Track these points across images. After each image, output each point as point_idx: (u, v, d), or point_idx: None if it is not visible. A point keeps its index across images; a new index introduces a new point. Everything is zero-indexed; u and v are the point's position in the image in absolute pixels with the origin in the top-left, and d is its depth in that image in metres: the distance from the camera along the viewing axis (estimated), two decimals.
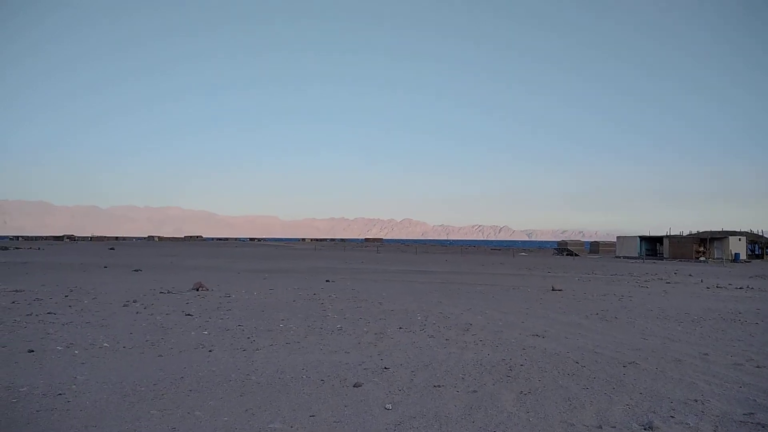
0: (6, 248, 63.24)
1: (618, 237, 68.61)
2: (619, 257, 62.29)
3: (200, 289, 18.17)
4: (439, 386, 7.28)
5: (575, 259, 57.15)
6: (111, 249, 71.52)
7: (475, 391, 7.08)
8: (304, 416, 6.05)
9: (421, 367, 8.28)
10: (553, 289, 20.57)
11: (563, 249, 74.73)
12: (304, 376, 7.66)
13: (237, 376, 7.60)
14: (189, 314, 13.02)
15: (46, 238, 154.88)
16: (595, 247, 76.45)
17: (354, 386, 7.21)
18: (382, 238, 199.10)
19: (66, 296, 16.16)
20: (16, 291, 17.24)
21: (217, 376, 7.62)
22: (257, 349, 9.38)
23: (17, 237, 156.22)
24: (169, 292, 17.64)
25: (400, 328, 11.68)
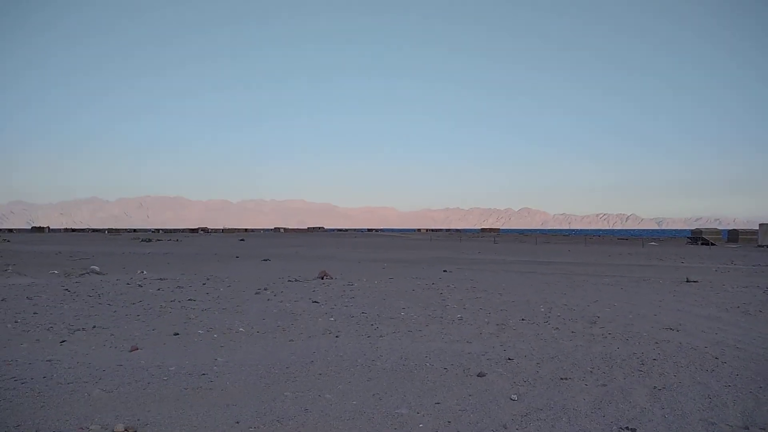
0: (149, 240, 69.19)
1: (761, 224, 62.68)
2: (763, 246, 57.04)
3: (324, 277, 18.87)
4: (566, 379, 7.10)
5: (711, 248, 53.04)
6: (241, 240, 75.98)
7: (604, 385, 6.83)
8: (429, 403, 6.14)
9: (546, 359, 8.11)
10: (687, 281, 19.26)
11: (698, 238, 69.55)
12: (428, 364, 7.76)
13: (363, 362, 7.85)
14: (315, 301, 13.58)
15: (183, 230, 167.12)
16: (734, 236, 70.43)
17: (478, 376, 7.20)
18: (498, 229, 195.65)
19: (203, 284, 17.42)
20: (161, 279, 18.83)
21: (345, 361, 7.91)
22: (381, 336, 9.62)
23: (158, 230, 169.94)
24: (296, 281, 18.48)
25: (523, 319, 11.48)
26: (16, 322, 10.61)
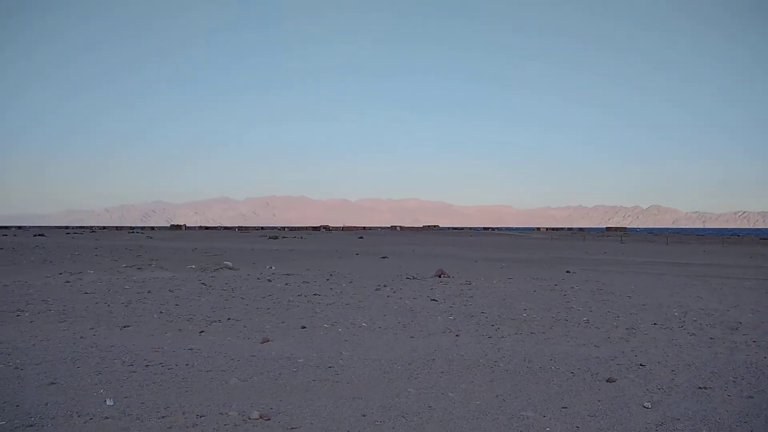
0: (276, 237, 72.68)
1: None
2: None
3: (442, 276, 18.89)
4: (705, 388, 6.62)
5: None
6: (360, 238, 77.85)
7: (750, 397, 6.30)
8: (556, 407, 5.96)
9: (682, 366, 7.61)
10: None
11: None
12: (553, 367, 7.54)
13: (485, 362, 7.78)
14: (434, 299, 13.63)
15: (306, 228, 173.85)
16: None
17: (607, 381, 6.90)
18: (625, 227, 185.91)
19: (327, 280, 18.04)
20: (288, 274, 19.73)
21: (466, 360, 7.88)
22: (502, 337, 9.47)
23: (283, 227, 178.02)
24: (414, 278, 18.66)
25: (655, 323, 10.84)
26: (161, 312, 11.56)
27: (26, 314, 11.11)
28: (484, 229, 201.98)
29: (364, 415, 5.66)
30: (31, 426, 5.26)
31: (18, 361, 7.53)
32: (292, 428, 5.32)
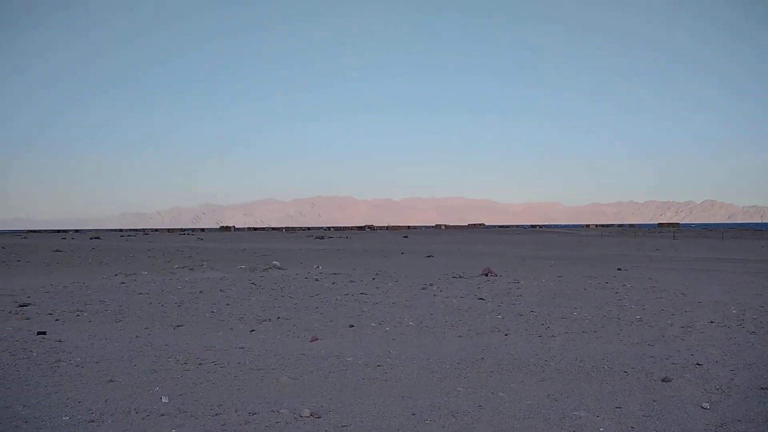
0: (322, 237, 73.48)
1: None
2: None
3: (489, 274, 18.72)
4: (767, 389, 6.37)
5: None
6: (405, 237, 77.91)
7: None
8: (609, 407, 5.84)
9: (742, 366, 7.34)
10: None
11: None
12: (606, 366, 7.38)
13: (535, 361, 7.67)
14: (481, 298, 13.52)
15: (351, 228, 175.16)
16: None
17: (663, 381, 6.71)
18: (678, 223, 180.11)
19: (373, 279, 18.12)
20: (334, 274, 19.90)
21: (516, 360, 7.78)
22: (553, 336, 9.32)
23: (329, 227, 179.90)
24: (460, 277, 18.55)
25: (711, 321, 10.48)
26: (212, 312, 11.82)
27: (85, 314, 11.53)
28: (531, 226, 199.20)
29: (413, 414, 5.66)
30: (92, 422, 5.46)
31: (78, 359, 7.81)
32: (342, 426, 5.36)
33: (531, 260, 28.01)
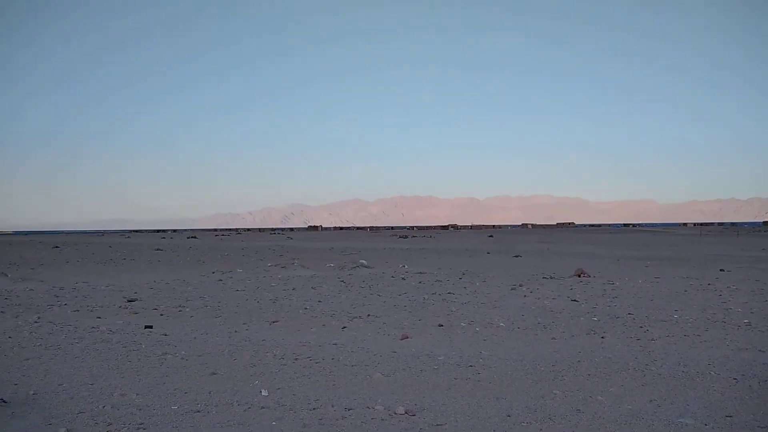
0: (405, 237, 73.76)
1: None
2: None
3: (582, 275, 18.15)
4: None
5: None
6: (490, 236, 76.83)
7: None
8: (718, 415, 5.53)
9: None
10: None
11: None
12: (712, 373, 6.99)
13: (635, 365, 7.37)
14: (575, 300, 13.13)
15: (434, 227, 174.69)
16: None
17: None
18: None
19: (460, 278, 18.01)
20: (420, 273, 19.95)
21: (614, 363, 7.51)
22: (652, 339, 8.93)
23: (412, 227, 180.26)
24: (551, 278, 18.10)
25: None
26: (305, 308, 12.16)
27: (187, 310, 12.16)
28: (624, 225, 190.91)
29: (509, 416, 5.58)
30: (198, 412, 5.75)
31: (183, 352, 8.25)
32: (437, 425, 5.37)
33: (625, 261, 26.91)
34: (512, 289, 15.27)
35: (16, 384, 6.58)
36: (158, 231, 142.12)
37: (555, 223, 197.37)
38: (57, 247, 42.74)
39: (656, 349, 8.25)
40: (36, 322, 10.61)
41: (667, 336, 9.18)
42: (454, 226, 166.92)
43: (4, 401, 5.79)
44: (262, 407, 5.86)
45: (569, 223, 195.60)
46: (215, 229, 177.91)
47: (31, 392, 6.24)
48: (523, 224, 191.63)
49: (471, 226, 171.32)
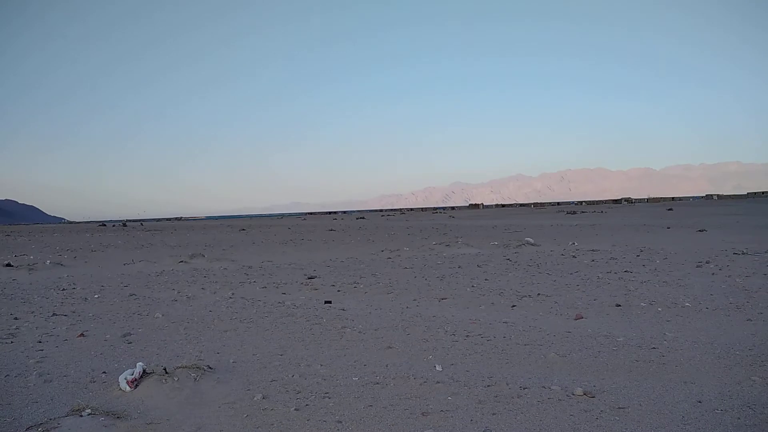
0: (574, 212, 70.79)
1: None
2: None
3: None
4: None
5: None
6: (669, 210, 71.08)
7: None
8: None
9: None
10: None
11: None
12: None
13: None
14: None
15: (605, 201, 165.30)
16: None
17: None
18: None
19: (637, 256, 16.91)
20: (592, 250, 19.05)
21: None
22: None
23: (580, 202, 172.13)
24: (743, 253, 16.33)
25: None
26: (472, 287, 12.21)
27: (361, 286, 12.79)
28: None
29: (700, 402, 5.18)
30: (377, 384, 6.04)
31: (360, 326, 8.71)
32: (619, 408, 5.13)
33: None
34: (698, 266, 14.04)
35: (218, 353, 7.42)
36: (329, 213, 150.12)
37: (746, 193, 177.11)
38: (243, 230, 47.02)
39: None
40: (231, 297, 11.83)
41: None
42: (628, 200, 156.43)
43: (210, 368, 6.54)
44: (437, 382, 6.01)
45: (763, 192, 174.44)
46: (381, 210, 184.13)
47: (231, 360, 6.99)
48: (707, 195, 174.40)
49: (647, 200, 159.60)
